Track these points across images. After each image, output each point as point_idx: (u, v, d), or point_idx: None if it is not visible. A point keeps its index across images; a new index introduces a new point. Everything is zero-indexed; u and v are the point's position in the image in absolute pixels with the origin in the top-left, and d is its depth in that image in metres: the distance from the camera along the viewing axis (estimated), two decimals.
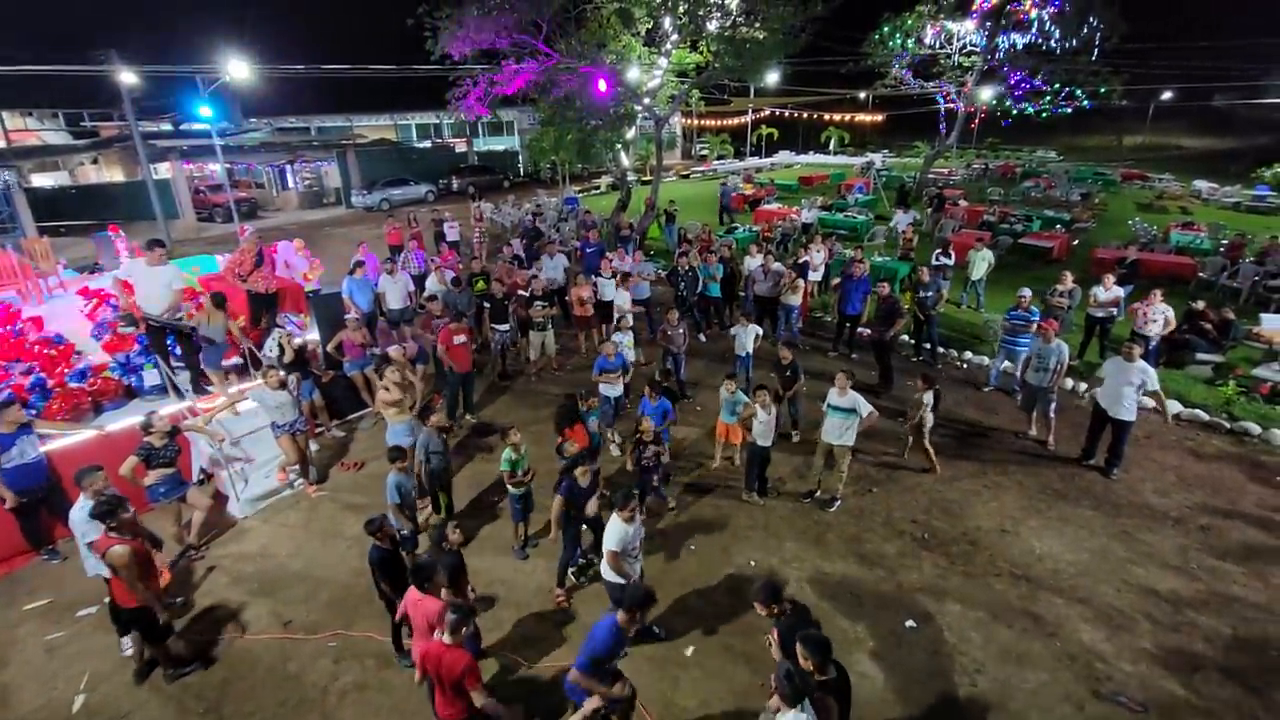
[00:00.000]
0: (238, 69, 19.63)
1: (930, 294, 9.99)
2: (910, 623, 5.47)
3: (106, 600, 5.37)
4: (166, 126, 32.35)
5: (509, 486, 6.22)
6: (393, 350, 7.83)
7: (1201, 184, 27.26)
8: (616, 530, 4.76)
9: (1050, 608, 5.63)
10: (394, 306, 10.44)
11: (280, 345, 8.06)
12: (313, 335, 9.42)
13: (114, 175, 29.75)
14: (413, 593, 4.19)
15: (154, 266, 7.24)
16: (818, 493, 7.15)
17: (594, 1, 15.42)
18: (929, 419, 7.41)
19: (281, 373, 7.31)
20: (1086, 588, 5.85)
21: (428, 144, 41.15)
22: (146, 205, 19.68)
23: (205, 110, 20.11)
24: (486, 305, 10.23)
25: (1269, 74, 34.79)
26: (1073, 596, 5.75)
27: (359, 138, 37.23)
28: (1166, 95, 41.93)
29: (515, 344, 10.55)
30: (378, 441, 7.88)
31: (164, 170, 25.45)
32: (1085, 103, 20.61)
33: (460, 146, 39.45)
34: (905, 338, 11.23)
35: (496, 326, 10.06)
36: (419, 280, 11.85)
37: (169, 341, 7.70)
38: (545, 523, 6.09)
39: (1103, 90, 19.98)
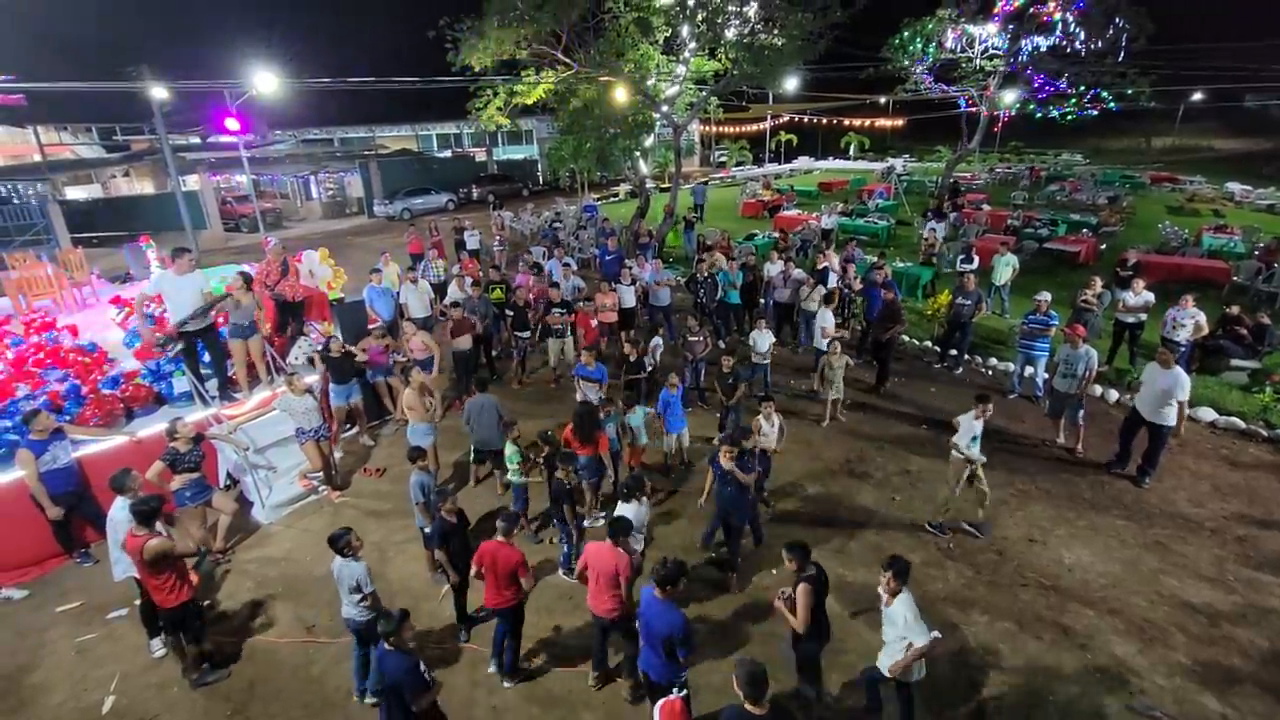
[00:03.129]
0: (265, 82, 20.11)
1: (969, 304, 9.83)
2: (935, 633, 5.34)
3: (137, 602, 5.49)
4: (195, 139, 33.22)
5: (511, 476, 6.68)
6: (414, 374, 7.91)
7: (1234, 186, 26.58)
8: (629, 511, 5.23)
9: (1080, 619, 5.49)
10: (416, 315, 10.56)
11: (327, 344, 8.17)
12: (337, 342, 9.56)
13: (145, 187, 30.56)
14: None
15: (182, 275, 7.41)
16: (944, 520, 6.68)
17: (612, 11, 15.54)
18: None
19: (308, 379, 7.44)
20: (1118, 599, 5.70)
21: (448, 153, 41.69)
22: (176, 216, 20.10)
23: (233, 124, 20.58)
24: (509, 313, 10.32)
25: None
26: (1104, 608, 5.60)
27: (381, 148, 37.83)
28: (1196, 96, 41.03)
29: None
30: (400, 448, 7.95)
31: (192, 182, 26.08)
32: (1112, 105, 20.22)
33: (480, 155, 39.89)
34: (930, 343, 11.11)
35: (518, 334, 10.15)
36: (440, 288, 11.98)
37: (198, 348, 7.86)
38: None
39: (1130, 92, 19.57)
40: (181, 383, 7.83)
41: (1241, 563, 6.08)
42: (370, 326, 9.11)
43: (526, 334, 10.21)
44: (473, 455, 7.68)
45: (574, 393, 8.39)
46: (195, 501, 6.34)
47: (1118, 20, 18.56)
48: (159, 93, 19.04)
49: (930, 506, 7.01)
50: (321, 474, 7.59)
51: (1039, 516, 6.86)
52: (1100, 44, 18.97)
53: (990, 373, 10.36)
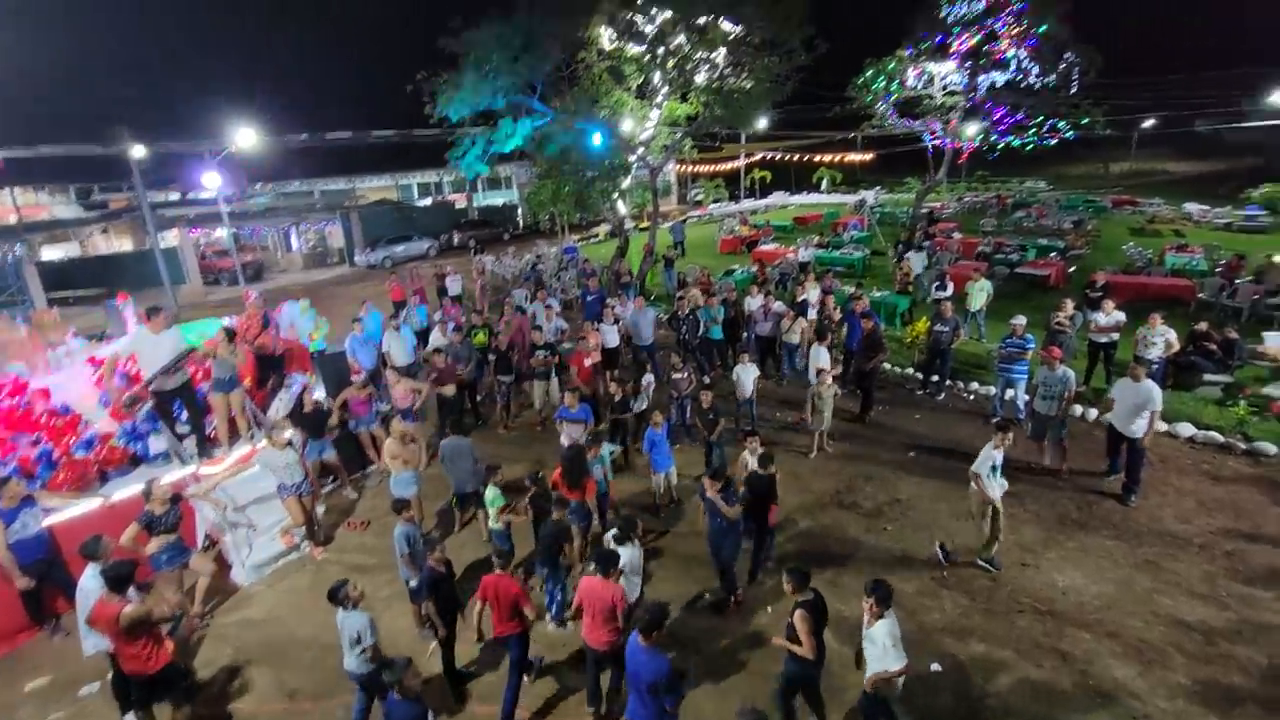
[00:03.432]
0: (245, 138, 20.36)
1: (947, 330, 10.02)
2: (935, 666, 5.28)
3: (109, 676, 5.26)
4: (174, 196, 33.31)
5: (492, 523, 6.54)
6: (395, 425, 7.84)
7: (1192, 206, 27.56)
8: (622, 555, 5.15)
9: (1078, 643, 5.44)
10: (400, 362, 10.49)
11: (299, 399, 8.09)
12: (319, 394, 9.46)
13: (123, 244, 30.47)
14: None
15: (157, 333, 7.33)
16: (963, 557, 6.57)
17: (585, 60, 16.02)
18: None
19: (288, 433, 7.33)
20: (1114, 621, 5.67)
21: (428, 201, 42.15)
22: (154, 273, 20.09)
23: (212, 180, 20.72)
24: (493, 357, 10.30)
25: (1248, 99, 35.70)
26: (1100, 631, 5.57)
27: (361, 198, 38.20)
28: (1149, 123, 42.95)
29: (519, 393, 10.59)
30: (385, 500, 7.81)
31: (171, 237, 26.06)
32: (1069, 134, 21.03)
33: (460, 202, 40.37)
34: (912, 370, 11.25)
35: (501, 378, 10.12)
36: (423, 334, 11.96)
37: (175, 407, 7.73)
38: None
39: (1084, 121, 20.41)
40: (158, 442, 7.67)
41: (1232, 578, 6.10)
42: (353, 377, 9.03)
43: (510, 377, 10.19)
44: (454, 499, 7.59)
45: (561, 435, 8.33)
46: (172, 565, 6.14)
47: (1068, 55, 19.49)
48: (138, 152, 19.18)
49: (923, 535, 6.99)
50: (304, 530, 7.41)
51: (1030, 540, 6.85)
52: (1054, 77, 19.86)
53: (972, 397, 10.48)
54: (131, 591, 4.78)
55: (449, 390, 9.39)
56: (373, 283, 23.04)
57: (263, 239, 31.82)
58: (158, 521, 5.99)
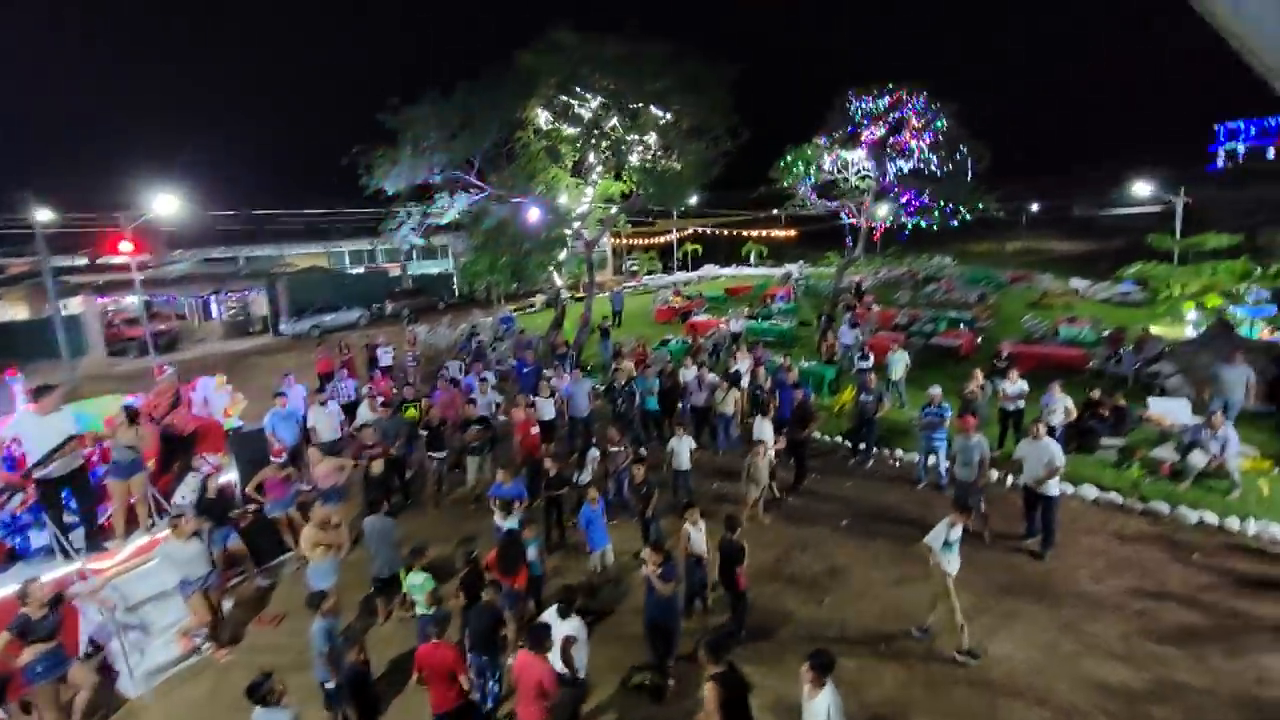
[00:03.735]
0: (164, 204, 19.59)
1: (871, 398, 10.48)
2: None
3: None
4: (82, 260, 31.35)
5: (419, 609, 6.21)
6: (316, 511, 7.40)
7: (1077, 282, 30.49)
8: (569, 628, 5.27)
9: (1012, 712, 5.55)
10: (325, 438, 9.99)
11: (203, 484, 7.52)
12: (231, 476, 8.83)
13: (18, 313, 28.13)
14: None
15: (45, 415, 6.73)
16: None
17: (522, 139, 16.57)
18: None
19: (194, 521, 6.76)
20: (1044, 686, 5.83)
21: (361, 269, 41.40)
22: (53, 343, 18.61)
23: (126, 248, 19.74)
24: (424, 432, 9.97)
25: (1114, 190, 40.81)
26: (1031, 698, 5.70)
27: (290, 266, 37.10)
28: (1034, 207, 48.12)
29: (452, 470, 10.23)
30: (301, 590, 7.23)
31: (75, 305, 24.35)
32: (967, 217, 23.19)
33: (394, 270, 39.87)
34: (841, 439, 11.62)
35: (433, 454, 9.78)
36: (350, 409, 11.48)
37: (64, 495, 7.03)
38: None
39: (979, 206, 22.64)
40: (40, 536, 6.90)
41: (1145, 637, 6.42)
42: (272, 456, 8.52)
43: (443, 454, 9.87)
44: (374, 585, 7.15)
45: (495, 514, 8.05)
46: (48, 677, 5.44)
47: (962, 148, 21.80)
48: (42, 215, 18.12)
49: (860, 605, 7.06)
50: (206, 630, 6.74)
51: (962, 606, 7.01)
52: (951, 166, 22.10)
53: (898, 464, 10.89)
54: (1, 711, 4.18)
55: (376, 468, 8.96)
56: (298, 353, 22.13)
57: (179, 306, 30.20)
58: (33, 627, 5.33)
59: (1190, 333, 16.59)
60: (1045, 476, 7.66)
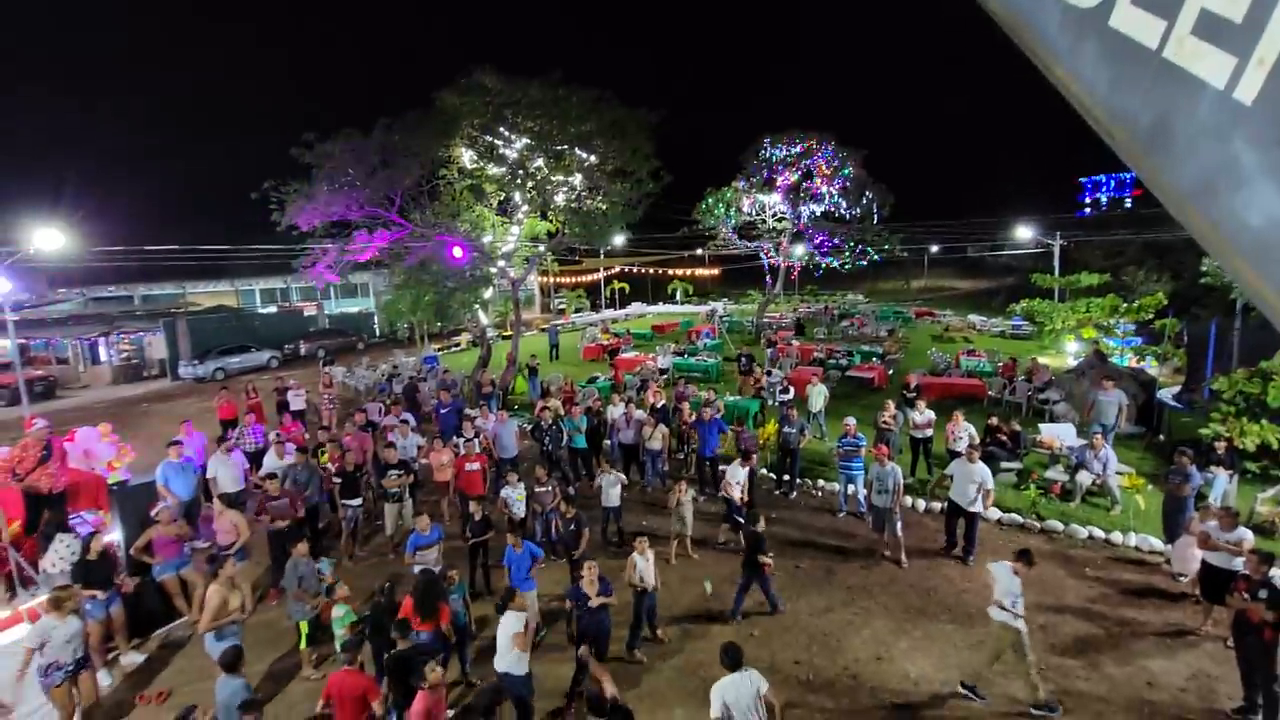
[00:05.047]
0: (46, 240, 17.99)
1: (793, 431, 10.79)
2: None
3: None
4: None
5: (339, 642, 6.10)
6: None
7: (975, 317, 32.99)
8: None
9: None
10: (227, 489, 9.24)
11: (85, 545, 6.73)
12: (114, 535, 8.00)
13: None
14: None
15: None
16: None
17: (446, 177, 16.43)
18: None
19: (81, 593, 6.04)
20: (963, 706, 6.04)
21: (273, 309, 39.31)
22: None
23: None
24: (338, 480, 9.42)
25: (1000, 232, 45.14)
26: (952, 719, 5.89)
27: (192, 305, 34.79)
28: (934, 249, 52.26)
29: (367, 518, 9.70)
30: (194, 661, 6.59)
31: None
32: (875, 257, 24.78)
33: (310, 310, 38.10)
34: (766, 470, 11.87)
35: (347, 502, 9.25)
36: (257, 456, 10.73)
37: None
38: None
39: (886, 246, 24.29)
40: None
41: (1049, 650, 6.80)
42: (155, 511, 7.79)
43: (358, 502, 9.35)
44: (303, 640, 6.70)
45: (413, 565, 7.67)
46: None
47: (868, 193, 23.43)
48: None
49: (788, 637, 7.14)
50: None
51: (883, 632, 7.24)
52: (859, 210, 23.70)
53: (820, 494, 11.22)
54: None
55: (283, 522, 8.30)
56: (199, 398, 20.60)
57: (61, 350, 27.53)
58: None
59: (1071, 362, 18.22)
60: (977, 496, 8.39)
